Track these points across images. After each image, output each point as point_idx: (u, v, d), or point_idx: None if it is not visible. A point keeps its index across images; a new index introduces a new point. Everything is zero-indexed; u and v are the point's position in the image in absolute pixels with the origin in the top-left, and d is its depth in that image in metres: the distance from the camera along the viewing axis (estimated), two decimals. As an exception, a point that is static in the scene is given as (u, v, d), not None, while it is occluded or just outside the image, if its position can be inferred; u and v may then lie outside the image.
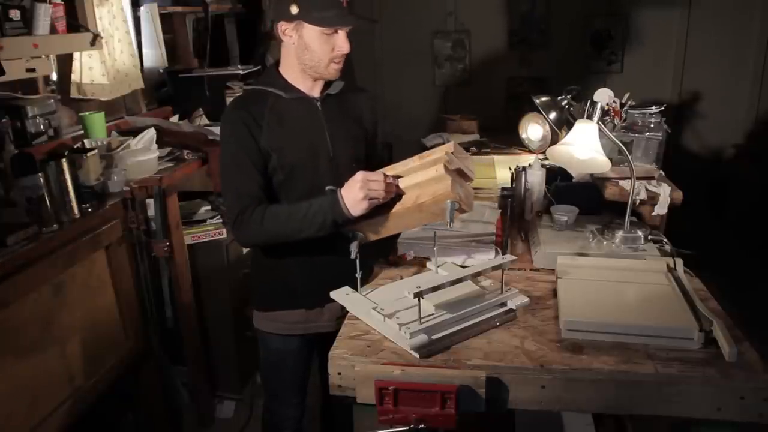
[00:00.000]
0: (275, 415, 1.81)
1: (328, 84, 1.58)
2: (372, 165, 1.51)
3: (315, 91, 1.57)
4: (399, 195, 1.43)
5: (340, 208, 1.39)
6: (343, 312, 1.59)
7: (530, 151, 3.02)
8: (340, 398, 1.32)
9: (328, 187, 1.43)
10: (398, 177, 1.44)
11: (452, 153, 1.41)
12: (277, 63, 1.59)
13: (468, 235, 1.78)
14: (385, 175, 1.40)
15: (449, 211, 1.34)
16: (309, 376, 1.82)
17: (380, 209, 1.43)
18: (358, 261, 1.46)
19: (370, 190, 1.36)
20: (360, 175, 1.38)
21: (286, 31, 1.48)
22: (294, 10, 1.43)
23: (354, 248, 1.44)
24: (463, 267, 1.59)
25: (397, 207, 1.42)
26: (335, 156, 1.58)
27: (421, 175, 1.40)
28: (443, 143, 3.49)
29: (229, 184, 1.51)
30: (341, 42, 1.48)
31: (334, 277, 1.54)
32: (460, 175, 1.43)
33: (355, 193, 1.37)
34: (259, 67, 3.30)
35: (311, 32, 1.46)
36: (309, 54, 1.49)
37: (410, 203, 1.40)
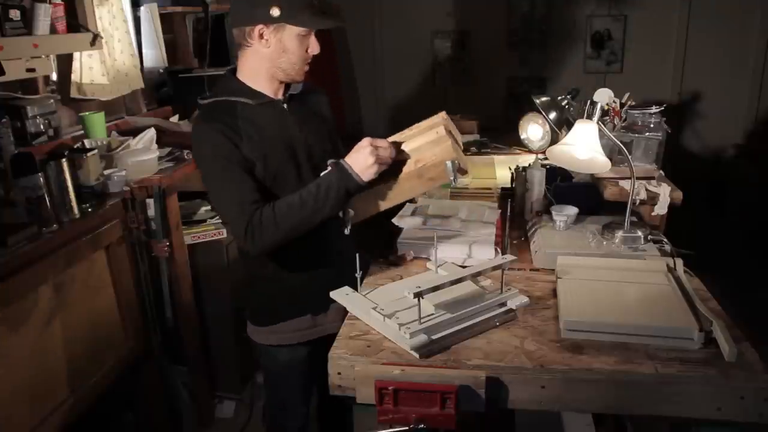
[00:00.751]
0: (282, 427, 1.80)
1: (287, 86, 1.56)
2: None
3: (279, 94, 1.55)
4: (398, 162, 1.42)
5: (350, 176, 1.39)
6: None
7: (530, 151, 3.02)
8: (339, 398, 1.32)
9: (329, 161, 1.43)
10: (398, 142, 1.44)
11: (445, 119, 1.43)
12: (233, 71, 1.55)
13: (468, 235, 1.78)
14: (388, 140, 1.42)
15: (451, 170, 1.35)
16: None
17: (378, 179, 1.42)
18: (358, 261, 1.46)
19: (379, 156, 1.38)
20: (366, 141, 1.39)
21: (264, 33, 1.44)
22: (275, 12, 1.40)
23: (347, 227, 1.45)
24: (463, 267, 1.59)
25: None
26: (312, 154, 1.57)
27: (420, 140, 1.40)
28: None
29: (227, 198, 1.45)
30: (314, 43, 1.48)
31: (335, 276, 1.55)
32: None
33: (365, 158, 1.38)
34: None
35: (291, 34, 1.44)
36: (286, 57, 1.47)
37: (410, 168, 1.40)
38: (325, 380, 1.31)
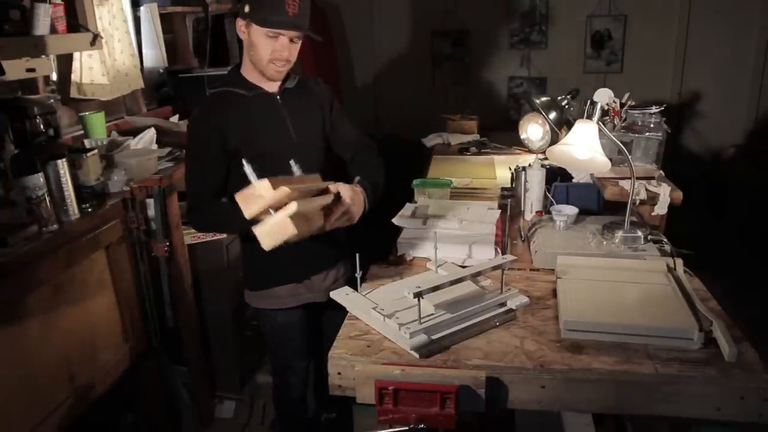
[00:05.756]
0: (286, 382, 1.98)
1: (285, 79, 1.72)
2: (342, 145, 1.83)
3: (273, 87, 1.71)
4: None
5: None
6: (326, 281, 1.84)
7: (530, 151, 3.03)
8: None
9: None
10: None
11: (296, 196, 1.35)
12: (238, 65, 1.72)
13: (468, 235, 1.78)
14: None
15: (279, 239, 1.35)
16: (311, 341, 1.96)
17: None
18: (358, 261, 1.47)
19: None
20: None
21: (241, 27, 1.63)
22: (246, 8, 1.59)
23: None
24: (463, 267, 1.59)
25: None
26: (299, 142, 1.72)
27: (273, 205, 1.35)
28: (443, 143, 3.50)
29: (191, 178, 1.69)
30: (280, 46, 1.60)
31: (311, 249, 1.72)
32: (307, 218, 1.40)
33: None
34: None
35: (257, 32, 1.59)
36: (253, 51, 1.63)
37: (264, 216, 1.37)
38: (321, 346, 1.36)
